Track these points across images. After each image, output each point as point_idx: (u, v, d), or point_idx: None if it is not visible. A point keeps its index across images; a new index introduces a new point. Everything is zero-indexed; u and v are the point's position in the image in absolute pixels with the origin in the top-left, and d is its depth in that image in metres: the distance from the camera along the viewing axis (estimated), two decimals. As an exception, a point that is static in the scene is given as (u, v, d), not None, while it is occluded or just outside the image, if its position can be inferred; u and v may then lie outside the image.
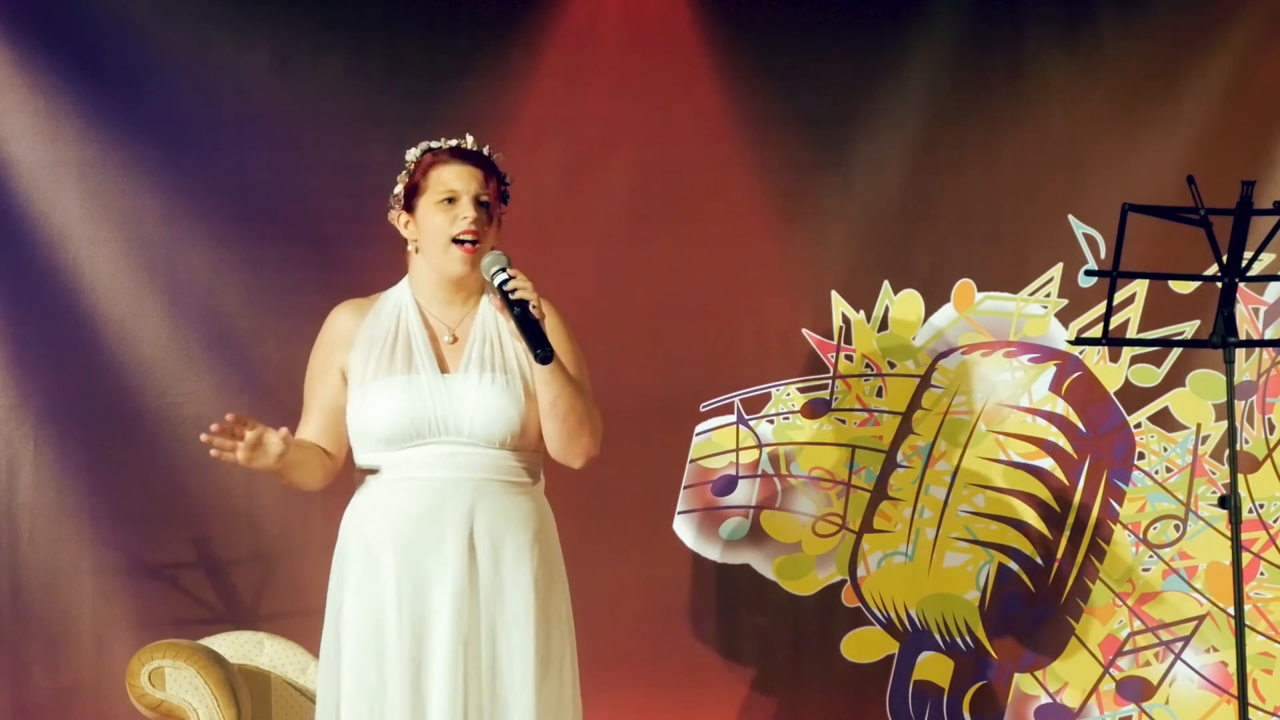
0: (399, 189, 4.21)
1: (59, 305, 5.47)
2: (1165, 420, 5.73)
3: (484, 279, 4.17)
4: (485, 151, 4.22)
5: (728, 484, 5.68)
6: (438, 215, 4.14)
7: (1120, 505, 5.72)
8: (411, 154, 4.22)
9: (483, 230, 4.13)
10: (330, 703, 4.09)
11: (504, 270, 4.07)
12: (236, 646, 4.98)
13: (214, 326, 5.50)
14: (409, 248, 4.21)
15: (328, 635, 4.13)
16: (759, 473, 5.68)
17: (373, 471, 4.13)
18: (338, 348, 4.18)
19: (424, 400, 4.07)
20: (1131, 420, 5.73)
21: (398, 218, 4.22)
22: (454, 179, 4.15)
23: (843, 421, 5.71)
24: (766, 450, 5.69)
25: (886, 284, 5.73)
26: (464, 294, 4.20)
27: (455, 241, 4.13)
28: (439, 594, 4.02)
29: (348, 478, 4.21)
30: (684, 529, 5.66)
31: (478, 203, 4.14)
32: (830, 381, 5.72)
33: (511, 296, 4.03)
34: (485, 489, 4.07)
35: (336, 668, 4.08)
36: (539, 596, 4.07)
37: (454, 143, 4.21)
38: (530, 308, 4.01)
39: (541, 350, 3.97)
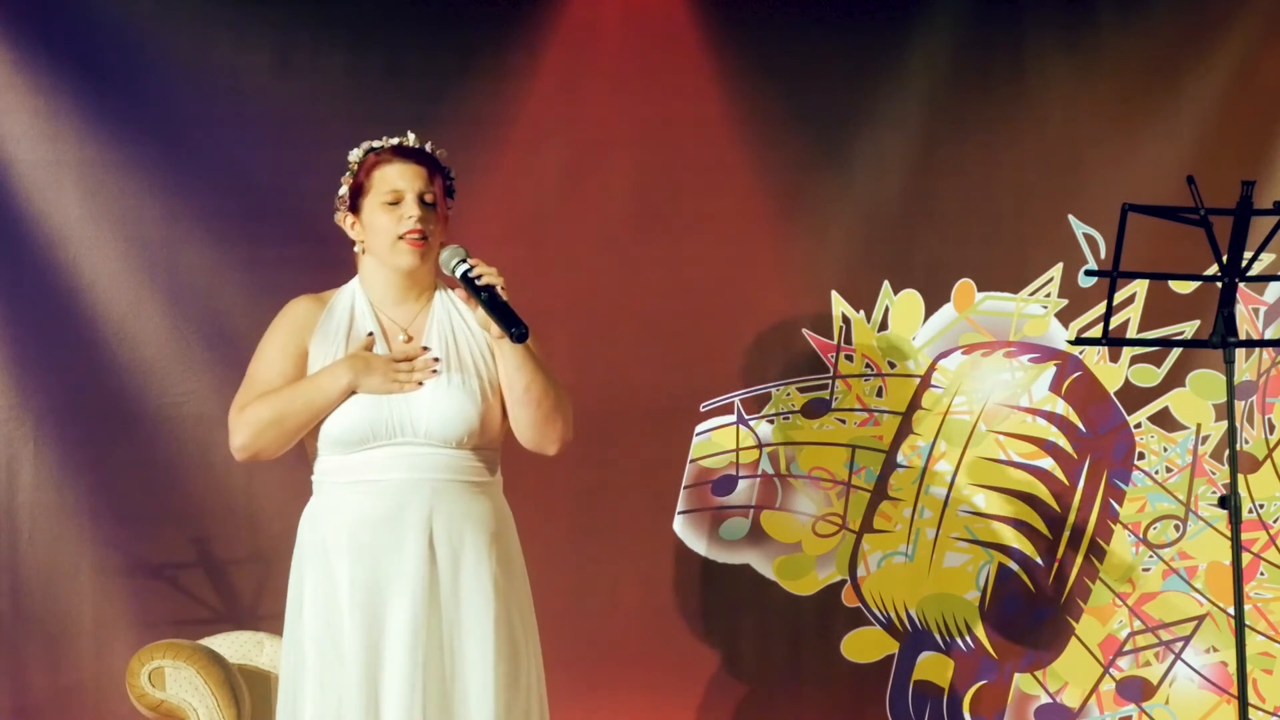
0: (343, 190, 4.21)
1: (59, 305, 5.47)
2: (1165, 420, 5.73)
3: (433, 277, 4.19)
4: (428, 148, 4.22)
5: (728, 484, 5.68)
6: (383, 215, 4.14)
7: (1120, 505, 5.72)
8: (354, 154, 4.21)
9: (429, 228, 4.14)
10: (290, 702, 4.08)
11: (464, 260, 4.07)
12: (236, 646, 4.98)
13: (214, 326, 5.50)
14: (356, 249, 4.21)
15: (288, 638, 4.12)
16: (759, 473, 5.68)
17: (330, 474, 4.12)
18: (303, 329, 4.17)
19: (380, 401, 4.06)
20: (1131, 420, 5.73)
21: (344, 219, 4.22)
22: (397, 178, 4.15)
23: (843, 421, 5.71)
24: (766, 450, 5.68)
25: (886, 284, 5.73)
26: (416, 291, 4.19)
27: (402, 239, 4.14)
28: (396, 596, 4.01)
29: (307, 480, 4.20)
30: (684, 529, 5.66)
31: (422, 201, 4.14)
32: (830, 381, 5.72)
33: (478, 283, 4.04)
34: (444, 490, 4.06)
35: (298, 666, 4.07)
36: (499, 597, 4.05)
37: (395, 141, 4.20)
38: (499, 290, 4.02)
39: (517, 329, 3.98)
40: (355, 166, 4.20)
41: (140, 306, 5.50)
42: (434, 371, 4.09)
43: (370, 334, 4.13)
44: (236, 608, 5.47)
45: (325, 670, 4.02)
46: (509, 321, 3.99)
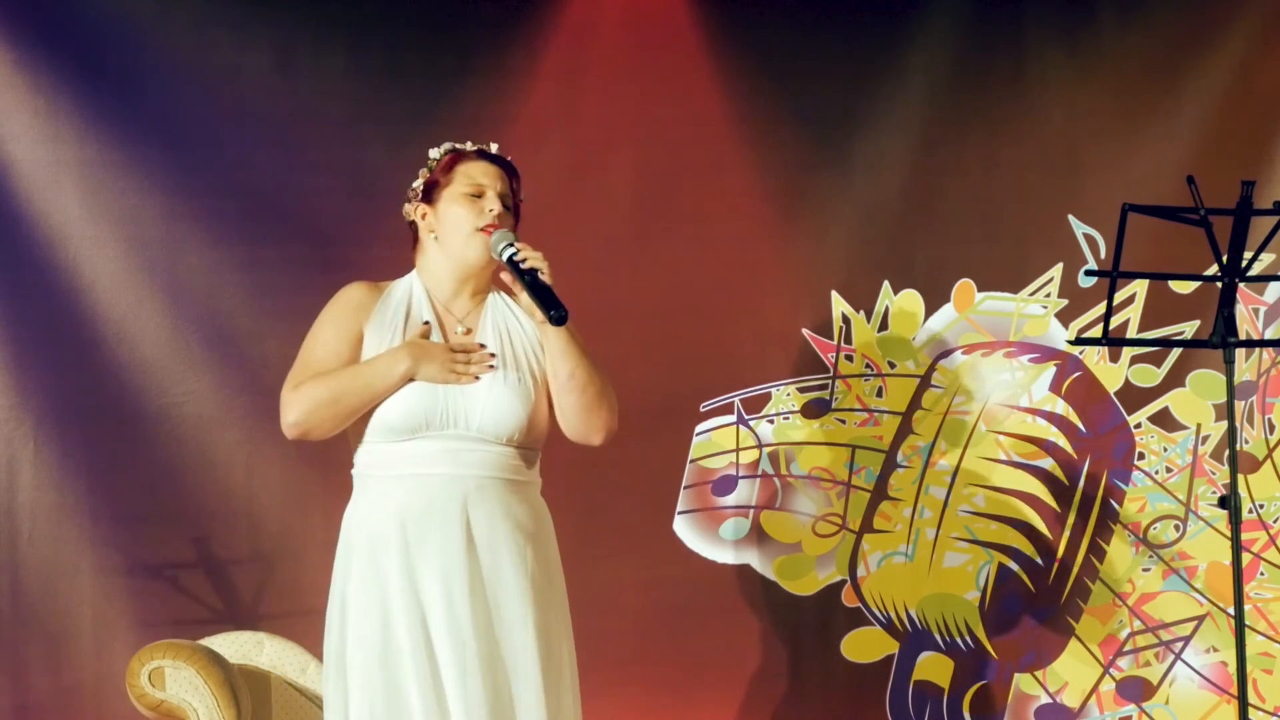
0: (418, 183, 4.25)
1: (59, 305, 5.47)
2: (1165, 420, 5.73)
3: (490, 279, 4.23)
4: (509, 159, 4.30)
5: (728, 484, 5.68)
6: (462, 207, 4.19)
7: (1120, 505, 5.72)
8: (435, 152, 4.27)
9: (506, 226, 4.18)
10: (338, 699, 4.09)
11: (511, 245, 4.11)
12: (236, 646, 4.98)
13: (214, 326, 5.50)
14: (427, 236, 4.22)
15: (331, 632, 4.13)
16: (759, 473, 5.68)
17: (372, 467, 4.13)
18: (359, 312, 4.18)
19: (437, 391, 4.09)
20: (1131, 420, 5.73)
21: (415, 210, 4.25)
22: (482, 175, 4.22)
23: (843, 421, 5.71)
24: (766, 450, 5.69)
25: (886, 284, 5.73)
26: (472, 288, 4.23)
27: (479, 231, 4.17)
28: (439, 589, 4.02)
29: (347, 475, 4.21)
30: (684, 529, 5.66)
31: (502, 201, 4.19)
32: (830, 381, 5.72)
33: (522, 265, 4.07)
34: (485, 486, 4.08)
35: (342, 664, 4.08)
36: (537, 594, 4.07)
37: (478, 146, 4.27)
38: (540, 274, 4.06)
39: (556, 311, 4.02)
40: (434, 163, 4.25)
41: (140, 306, 5.50)
42: (490, 367, 4.11)
43: (426, 322, 4.16)
44: (236, 608, 5.47)
45: (370, 666, 4.02)
46: (549, 304, 4.04)
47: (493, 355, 4.15)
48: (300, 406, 4.11)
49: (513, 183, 4.25)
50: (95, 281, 5.49)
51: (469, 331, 4.19)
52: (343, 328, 4.17)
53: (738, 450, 5.68)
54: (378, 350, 4.14)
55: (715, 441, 5.68)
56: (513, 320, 4.22)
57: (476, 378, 4.11)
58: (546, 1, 5.65)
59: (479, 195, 4.19)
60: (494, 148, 4.28)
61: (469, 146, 4.26)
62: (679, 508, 5.66)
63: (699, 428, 5.68)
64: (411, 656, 4.01)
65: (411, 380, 4.09)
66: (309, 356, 4.17)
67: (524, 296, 4.12)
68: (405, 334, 4.16)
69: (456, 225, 4.18)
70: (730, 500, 5.67)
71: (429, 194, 4.23)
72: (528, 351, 4.19)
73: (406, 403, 4.08)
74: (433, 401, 4.08)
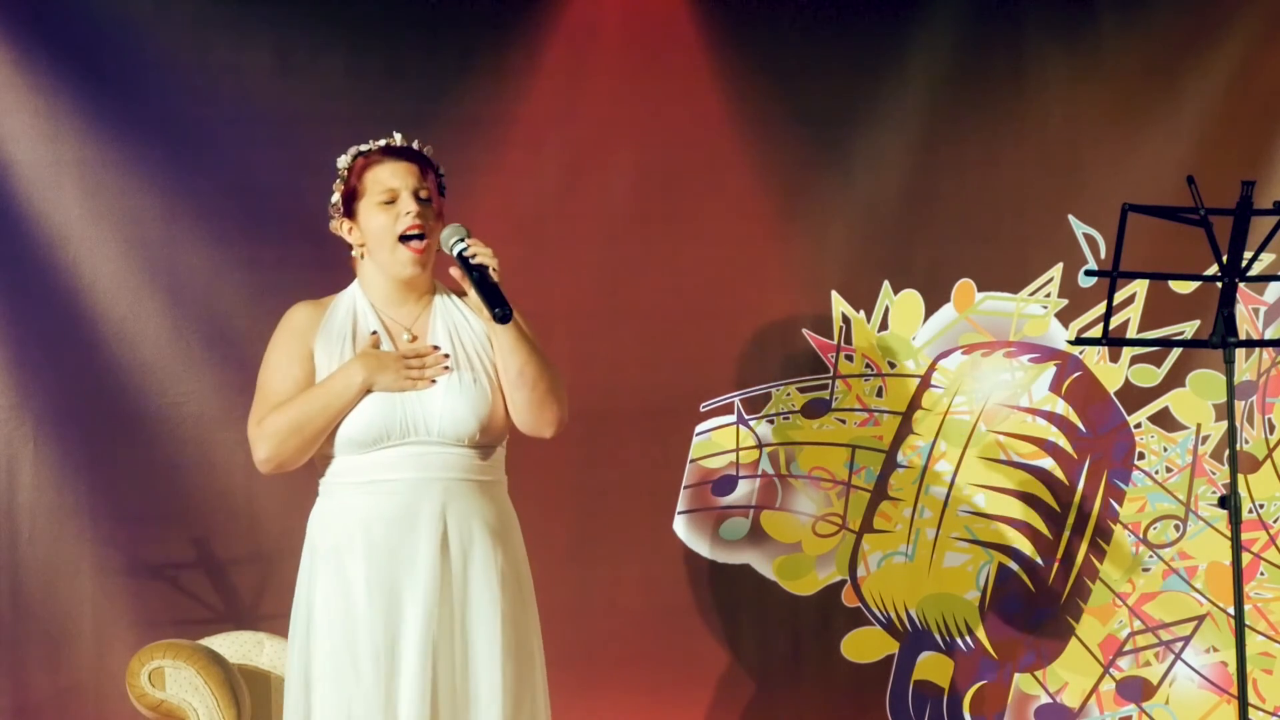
0: (336, 197, 4.21)
1: (59, 305, 5.47)
2: (1165, 420, 5.73)
3: (432, 278, 4.21)
4: (415, 146, 4.22)
5: (728, 484, 5.68)
6: (380, 215, 4.14)
7: (1120, 505, 5.72)
8: (343, 160, 4.21)
9: (427, 224, 4.14)
10: (299, 704, 4.08)
11: (463, 240, 4.09)
12: (236, 646, 4.98)
13: (214, 326, 5.50)
14: (354, 253, 4.21)
15: (295, 639, 4.13)
16: (759, 473, 5.68)
17: (339, 475, 4.11)
18: (306, 333, 4.16)
19: (394, 401, 4.07)
20: (1131, 420, 5.73)
21: (340, 225, 4.22)
22: (390, 177, 4.15)
23: (843, 421, 5.71)
24: (766, 450, 5.68)
25: (886, 284, 5.73)
26: (416, 293, 4.20)
27: (403, 240, 4.14)
28: (411, 594, 4.01)
29: (307, 479, 4.20)
30: (684, 529, 5.66)
31: (417, 198, 4.15)
32: (830, 381, 5.72)
33: (472, 261, 4.05)
34: (454, 489, 4.07)
35: (306, 670, 4.08)
36: (506, 594, 4.07)
37: (383, 142, 4.21)
38: (490, 272, 4.04)
39: (500, 309, 3.99)
40: (345, 172, 4.20)
41: (140, 306, 5.50)
42: (445, 369, 4.10)
43: (374, 332, 4.14)
44: (236, 608, 5.47)
45: (338, 671, 4.02)
46: (493, 301, 4.01)
47: (446, 356, 4.13)
48: (267, 443, 4.10)
49: (426, 174, 4.18)
50: (95, 281, 5.49)
51: (414, 339, 4.16)
52: (294, 351, 4.15)
53: (738, 450, 5.68)
54: (329, 366, 4.12)
55: (715, 441, 5.68)
56: (461, 319, 4.19)
57: (433, 381, 4.10)
58: (546, 1, 5.65)
59: (393, 200, 4.14)
60: (398, 138, 4.22)
61: (373, 146, 4.20)
62: (679, 508, 5.66)
63: (699, 428, 5.68)
64: (371, 661, 4.00)
65: (369, 392, 4.08)
66: (267, 388, 4.15)
67: (472, 294, 4.10)
68: (355, 346, 4.13)
69: (380, 237, 4.14)
70: (730, 500, 5.67)
71: (348, 207, 4.19)
72: (479, 349, 4.16)
73: (365, 416, 4.06)
74: (390, 411, 4.06)
